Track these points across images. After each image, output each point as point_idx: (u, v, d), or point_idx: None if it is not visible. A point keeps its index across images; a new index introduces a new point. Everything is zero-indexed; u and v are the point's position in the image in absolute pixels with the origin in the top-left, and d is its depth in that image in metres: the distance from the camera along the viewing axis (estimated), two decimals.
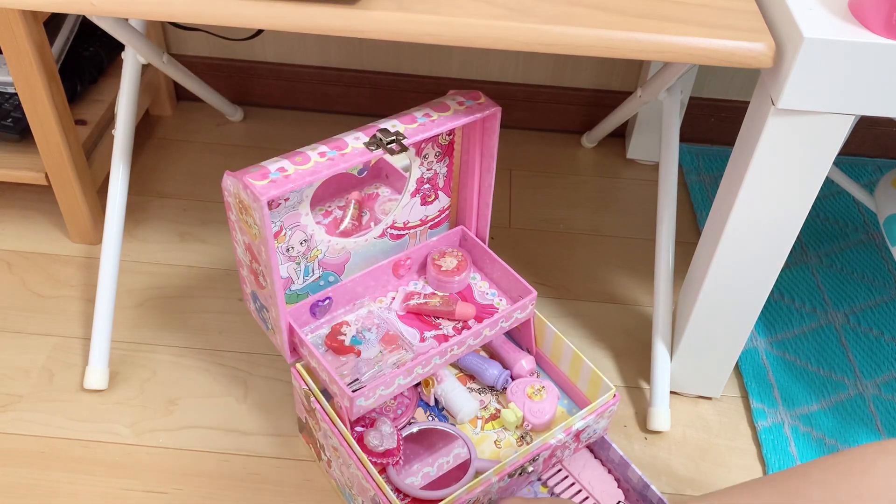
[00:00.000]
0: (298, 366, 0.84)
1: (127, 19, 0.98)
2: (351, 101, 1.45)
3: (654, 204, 1.12)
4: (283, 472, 0.92)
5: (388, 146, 0.74)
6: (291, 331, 0.81)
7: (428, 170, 0.87)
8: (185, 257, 1.18)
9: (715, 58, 0.67)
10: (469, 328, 0.88)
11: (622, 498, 0.85)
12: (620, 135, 1.45)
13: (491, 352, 0.94)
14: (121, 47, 1.04)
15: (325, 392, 0.83)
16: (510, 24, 0.66)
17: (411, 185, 0.87)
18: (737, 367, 1.08)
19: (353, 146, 0.74)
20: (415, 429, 0.86)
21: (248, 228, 0.74)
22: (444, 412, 0.89)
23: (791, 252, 0.85)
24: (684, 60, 0.68)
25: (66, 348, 1.04)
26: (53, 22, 1.14)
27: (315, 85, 1.44)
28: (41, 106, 1.01)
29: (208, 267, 1.17)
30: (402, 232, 0.90)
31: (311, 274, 0.84)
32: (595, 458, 0.89)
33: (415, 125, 0.77)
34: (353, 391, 0.75)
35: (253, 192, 0.68)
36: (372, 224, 0.90)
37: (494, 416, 0.89)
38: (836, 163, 1.04)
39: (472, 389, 0.91)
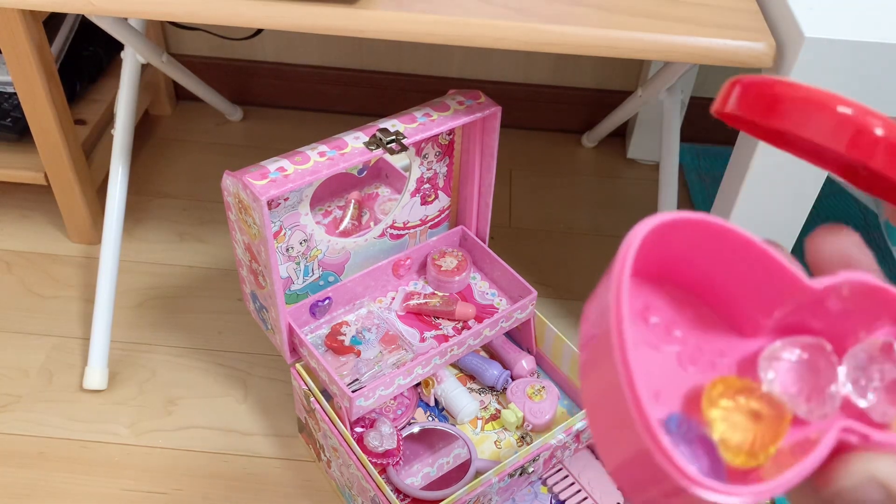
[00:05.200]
0: (298, 366, 0.83)
1: (126, 19, 0.98)
2: (351, 101, 1.45)
3: (655, 204, 1.12)
4: (282, 473, 0.92)
5: (388, 146, 0.74)
6: (291, 331, 0.81)
7: (428, 169, 0.87)
8: (184, 257, 1.18)
9: (715, 57, 0.67)
10: (469, 328, 0.87)
11: (622, 499, 0.85)
12: (621, 134, 1.45)
13: (491, 352, 0.94)
14: (120, 47, 1.03)
15: (325, 392, 0.83)
16: (510, 23, 0.66)
17: (411, 185, 0.87)
18: None
19: (353, 146, 0.74)
20: (415, 429, 0.85)
21: (247, 228, 0.74)
22: (444, 412, 0.89)
23: (791, 252, 0.85)
24: (685, 60, 0.68)
25: (65, 348, 1.04)
26: (53, 21, 1.14)
27: (315, 85, 1.44)
28: (40, 105, 1.01)
29: (208, 267, 1.17)
30: (401, 232, 0.89)
31: (311, 274, 0.84)
32: (596, 458, 0.89)
33: (415, 125, 0.77)
34: (353, 391, 0.75)
35: (252, 192, 0.68)
36: (372, 224, 0.90)
37: (495, 417, 0.88)
38: None
39: (472, 389, 0.91)
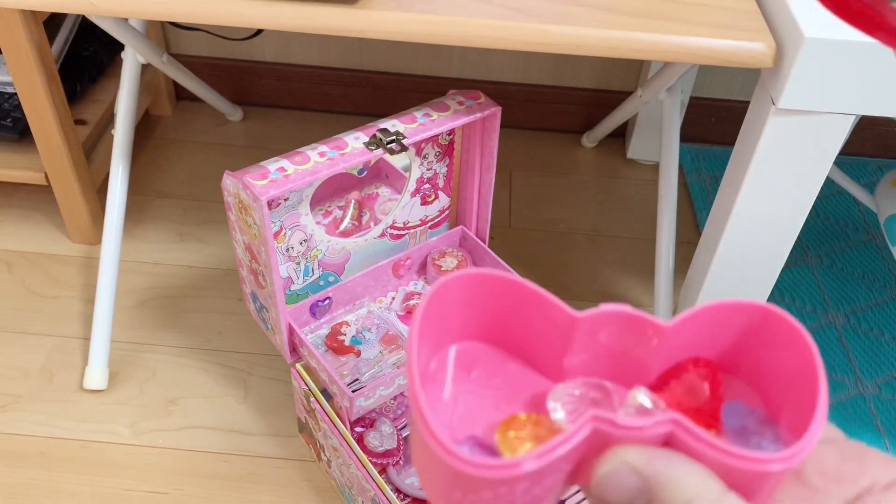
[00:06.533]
0: (298, 366, 0.84)
1: (127, 19, 0.98)
2: (351, 101, 1.45)
3: (655, 204, 1.12)
4: (283, 473, 0.92)
5: (388, 146, 0.74)
6: (291, 331, 0.81)
7: (428, 170, 0.87)
8: (184, 257, 1.18)
9: (715, 58, 0.67)
10: None
11: None
12: (621, 135, 1.45)
13: None
14: (120, 47, 1.04)
15: (325, 392, 0.83)
16: (510, 23, 0.66)
17: (411, 185, 0.87)
18: None
19: (353, 146, 0.74)
20: None
21: (247, 228, 0.74)
22: None
23: (791, 252, 0.85)
24: (684, 60, 0.68)
25: (65, 348, 1.04)
26: (53, 21, 1.14)
27: (315, 85, 1.44)
28: (41, 106, 1.01)
29: (208, 267, 1.17)
30: (401, 232, 0.90)
31: (311, 274, 0.84)
32: None
33: (415, 125, 0.77)
34: (353, 391, 0.75)
35: (253, 192, 0.68)
36: (372, 224, 0.90)
37: None
38: (837, 162, 1.04)
39: None
